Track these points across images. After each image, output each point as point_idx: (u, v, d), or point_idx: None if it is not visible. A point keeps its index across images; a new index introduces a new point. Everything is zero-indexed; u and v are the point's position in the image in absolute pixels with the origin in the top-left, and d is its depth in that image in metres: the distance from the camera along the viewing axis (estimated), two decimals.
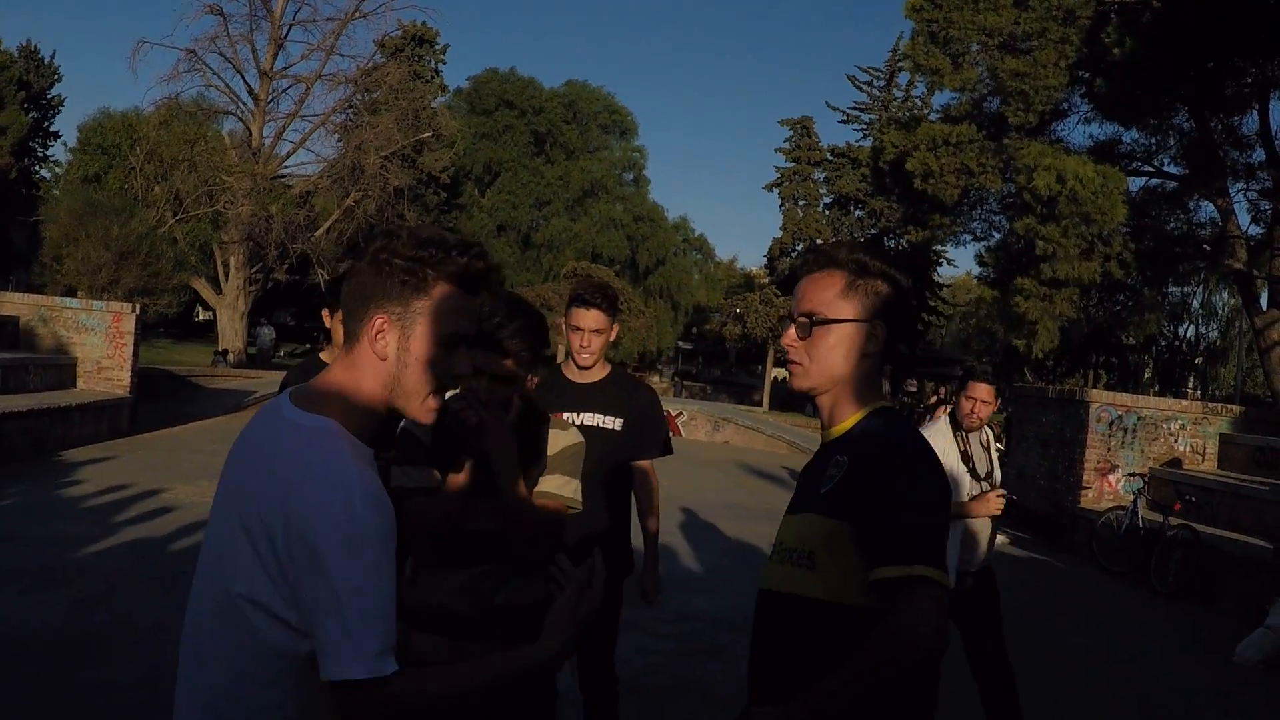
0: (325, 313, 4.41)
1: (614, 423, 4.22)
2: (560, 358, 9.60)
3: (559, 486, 2.94)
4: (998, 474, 5.58)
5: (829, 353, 2.17)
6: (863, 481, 2.06)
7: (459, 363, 1.87)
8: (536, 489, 2.91)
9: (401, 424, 2.85)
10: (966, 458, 5.41)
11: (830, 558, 2.08)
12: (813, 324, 2.18)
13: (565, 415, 4.00)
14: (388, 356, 1.80)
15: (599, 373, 4.29)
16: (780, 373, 43.32)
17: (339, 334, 4.07)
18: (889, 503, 2.00)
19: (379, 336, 1.79)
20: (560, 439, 3.00)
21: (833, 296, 2.18)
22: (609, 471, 4.18)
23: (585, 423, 4.14)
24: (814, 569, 2.09)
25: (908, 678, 1.93)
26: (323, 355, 4.60)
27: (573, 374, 4.29)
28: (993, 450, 5.62)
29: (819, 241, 52.08)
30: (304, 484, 1.66)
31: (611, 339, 4.23)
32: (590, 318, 4.13)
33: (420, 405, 1.85)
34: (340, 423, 1.78)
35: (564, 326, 4.24)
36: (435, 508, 2.74)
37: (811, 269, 2.24)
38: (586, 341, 4.16)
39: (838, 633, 2.03)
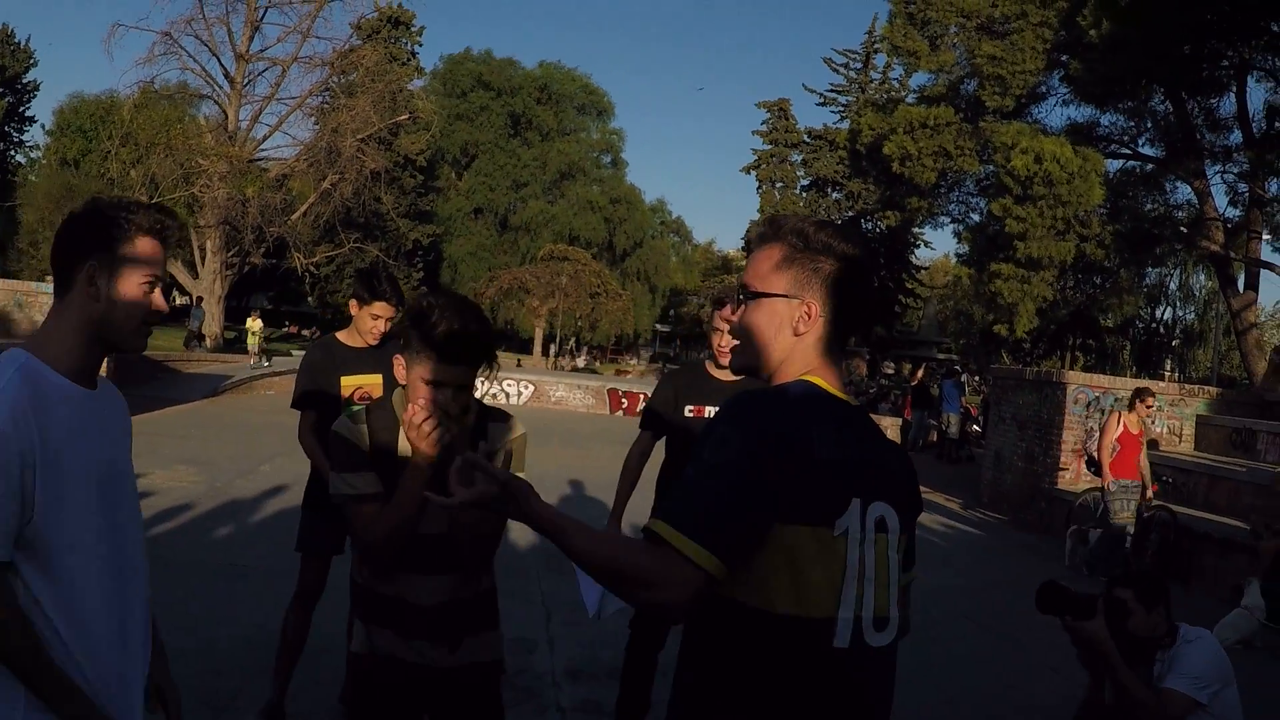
0: (353, 303, 4.65)
1: None
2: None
3: None
4: None
5: (758, 329, 2.05)
6: None
7: (157, 301, 2.15)
8: None
9: (336, 429, 2.79)
10: None
11: None
12: (744, 297, 2.09)
13: (706, 409, 4.47)
14: (100, 298, 2.09)
15: None
16: None
17: (364, 323, 4.55)
18: (690, 459, 1.90)
19: (91, 280, 2.08)
20: (513, 432, 2.94)
21: (768, 270, 2.05)
22: None
23: None
24: None
25: (614, 590, 1.85)
26: (339, 335, 4.80)
27: (715, 371, 4.62)
28: None
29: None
30: None
31: None
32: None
33: (132, 337, 2.15)
34: (30, 352, 2.07)
35: (705, 327, 4.68)
36: (392, 514, 2.66)
37: (759, 242, 2.12)
38: (726, 342, 4.38)
39: (720, 626, 1.87)
